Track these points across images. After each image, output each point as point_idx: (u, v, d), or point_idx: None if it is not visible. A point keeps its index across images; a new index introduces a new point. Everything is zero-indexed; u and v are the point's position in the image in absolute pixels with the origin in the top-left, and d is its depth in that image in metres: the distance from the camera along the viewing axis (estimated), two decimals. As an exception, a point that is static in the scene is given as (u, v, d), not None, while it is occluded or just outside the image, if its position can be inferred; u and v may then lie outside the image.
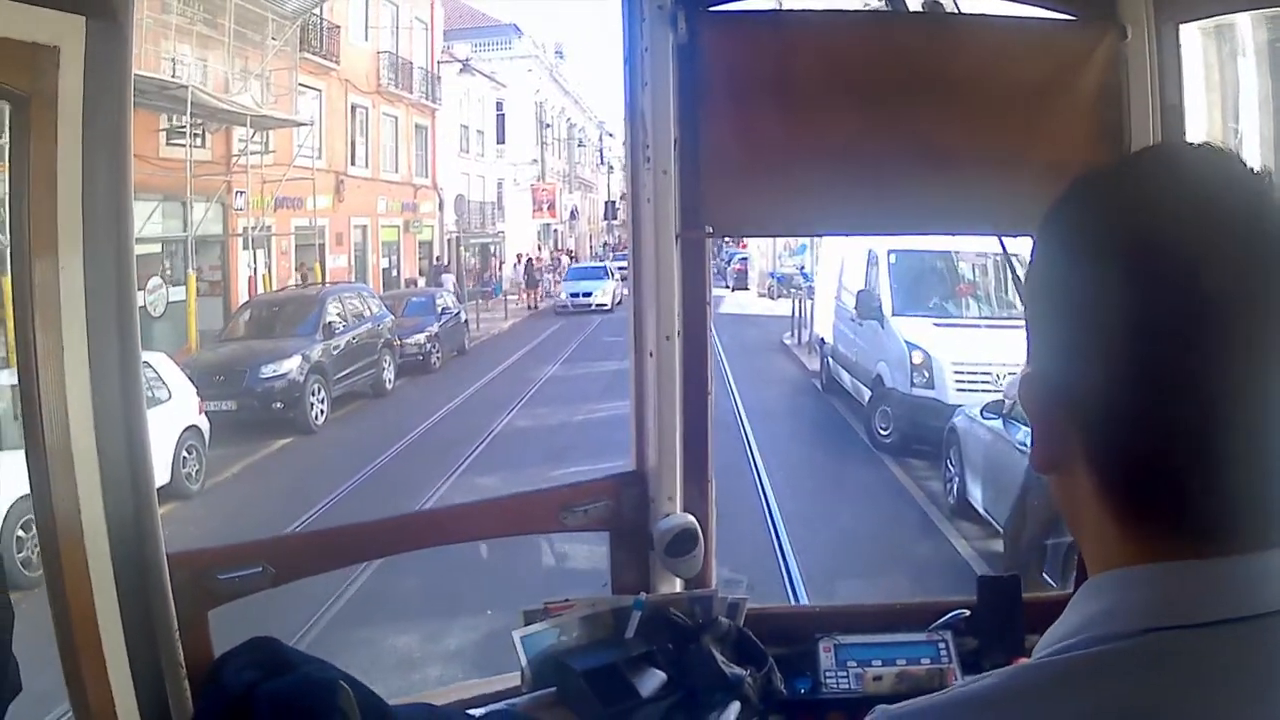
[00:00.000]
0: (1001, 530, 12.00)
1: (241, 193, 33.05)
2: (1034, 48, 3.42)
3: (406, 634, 10.95)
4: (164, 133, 29.69)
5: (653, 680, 3.19)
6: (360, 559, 3.02)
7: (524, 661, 3.23)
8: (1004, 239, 3.73)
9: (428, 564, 10.93)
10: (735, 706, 3.02)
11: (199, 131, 31.17)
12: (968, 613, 3.42)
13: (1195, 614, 1.02)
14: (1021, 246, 3.69)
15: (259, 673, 2.71)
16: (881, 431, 19.01)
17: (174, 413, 17.02)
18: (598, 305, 48.04)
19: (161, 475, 15.88)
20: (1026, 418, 1.20)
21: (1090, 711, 1.02)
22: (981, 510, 13.20)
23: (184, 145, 29.17)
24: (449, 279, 46.41)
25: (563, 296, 50.39)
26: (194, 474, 17.63)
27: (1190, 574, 1.04)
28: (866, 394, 20.24)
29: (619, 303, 44.42)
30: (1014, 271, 4.37)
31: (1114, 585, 1.10)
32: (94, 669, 2.37)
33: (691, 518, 3.46)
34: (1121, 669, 1.04)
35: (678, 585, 3.52)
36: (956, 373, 17.41)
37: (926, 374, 17.87)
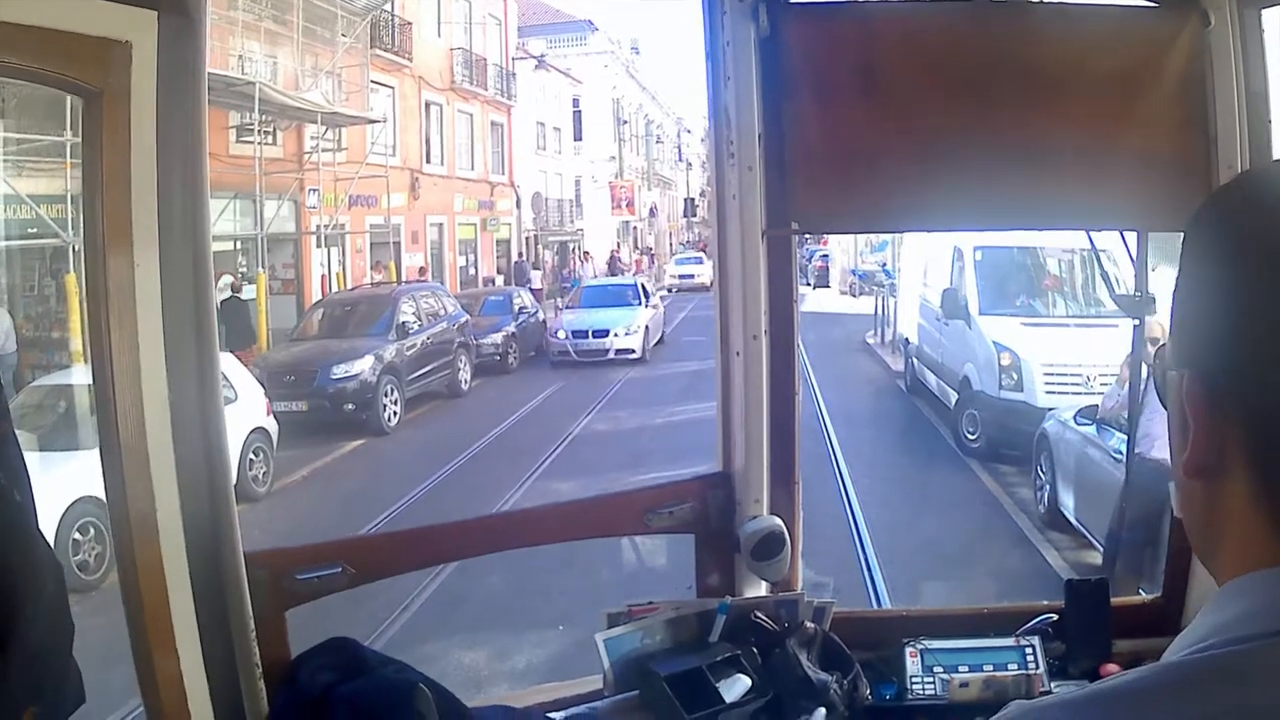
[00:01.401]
0: (1094, 540, 11.84)
1: (314, 190, 33.27)
2: (1116, 36, 3.38)
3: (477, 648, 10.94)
4: (234, 130, 29.88)
5: (737, 685, 3.15)
6: (440, 560, 3.01)
7: (606, 664, 3.21)
8: (1091, 233, 3.66)
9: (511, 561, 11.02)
10: (821, 713, 2.99)
11: (269, 129, 31.43)
12: (1055, 618, 3.39)
13: None
14: (1108, 240, 3.61)
15: (336, 674, 2.70)
16: (969, 436, 18.71)
17: (240, 414, 16.84)
18: (619, 352, 30.91)
19: (226, 477, 16.04)
20: (1172, 419, 1.16)
21: (1231, 710, 0.99)
22: (1074, 520, 12.92)
23: (254, 142, 29.32)
24: (536, 275, 46.72)
25: (560, 336, 31.99)
26: (261, 476, 17.53)
27: None
28: (953, 396, 19.94)
29: (658, 343, 33.58)
30: (1101, 267, 4.30)
31: (1258, 586, 1.07)
32: (168, 668, 2.36)
33: (778, 520, 3.41)
34: (1267, 668, 1.00)
35: (763, 588, 3.49)
36: (1046, 375, 17.07)
37: (1015, 376, 17.59)
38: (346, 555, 2.90)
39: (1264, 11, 3.30)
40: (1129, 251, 3.56)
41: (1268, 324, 1.02)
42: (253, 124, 29.07)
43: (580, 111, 65.18)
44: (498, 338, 29.99)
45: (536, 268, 49.48)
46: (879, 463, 18.27)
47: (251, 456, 17.23)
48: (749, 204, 3.29)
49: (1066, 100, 3.30)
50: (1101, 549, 11.41)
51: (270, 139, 31.62)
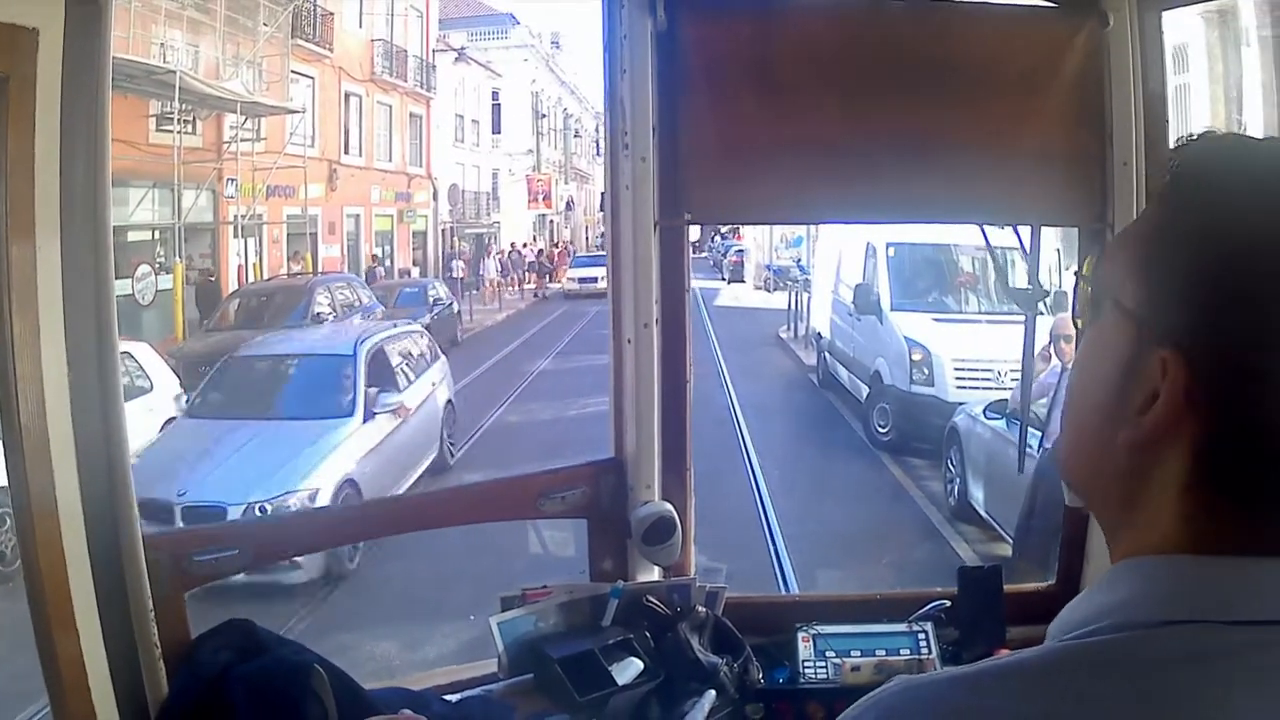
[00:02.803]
0: (1003, 532, 11.96)
1: (233, 180, 32.91)
2: (1017, 36, 3.42)
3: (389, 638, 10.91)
4: (154, 119, 29.50)
5: (629, 668, 3.19)
6: (335, 543, 3.03)
7: (500, 648, 3.23)
8: (985, 229, 3.72)
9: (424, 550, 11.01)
10: (710, 695, 3.02)
11: (189, 118, 31.02)
12: (948, 604, 3.42)
13: (1265, 610, 1.01)
14: (1003, 236, 3.68)
15: (234, 654, 2.71)
16: (880, 429, 18.87)
17: (155, 404, 16.57)
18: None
19: (143, 469, 15.65)
20: (1106, 378, 1.14)
21: (1110, 695, 1.01)
22: (983, 512, 13.09)
23: (174, 131, 28.96)
24: (458, 265, 46.62)
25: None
26: None
27: (1269, 571, 1.03)
28: (864, 390, 20.09)
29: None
30: (996, 261, 4.37)
31: (1157, 571, 1.08)
32: (68, 648, 2.37)
33: (669, 506, 3.45)
34: (1148, 656, 1.02)
35: (656, 573, 3.52)
36: (957, 369, 17.27)
37: (926, 371, 17.75)
38: (244, 538, 2.92)
39: (1163, 14, 3.36)
40: (1022, 246, 3.61)
41: (1259, 308, 1.01)
42: (173, 113, 28.75)
43: (499, 105, 64.90)
44: (413, 329, 29.56)
45: (458, 258, 49.32)
46: (790, 455, 18.37)
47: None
48: (642, 195, 3.33)
49: (965, 98, 3.35)
50: (1011, 540, 11.56)
51: (190, 128, 31.20)
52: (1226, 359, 1.02)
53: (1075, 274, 1.15)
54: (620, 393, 3.49)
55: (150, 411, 16.28)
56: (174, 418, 16.69)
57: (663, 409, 3.48)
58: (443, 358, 19.29)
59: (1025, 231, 3.60)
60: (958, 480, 14.22)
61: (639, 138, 3.31)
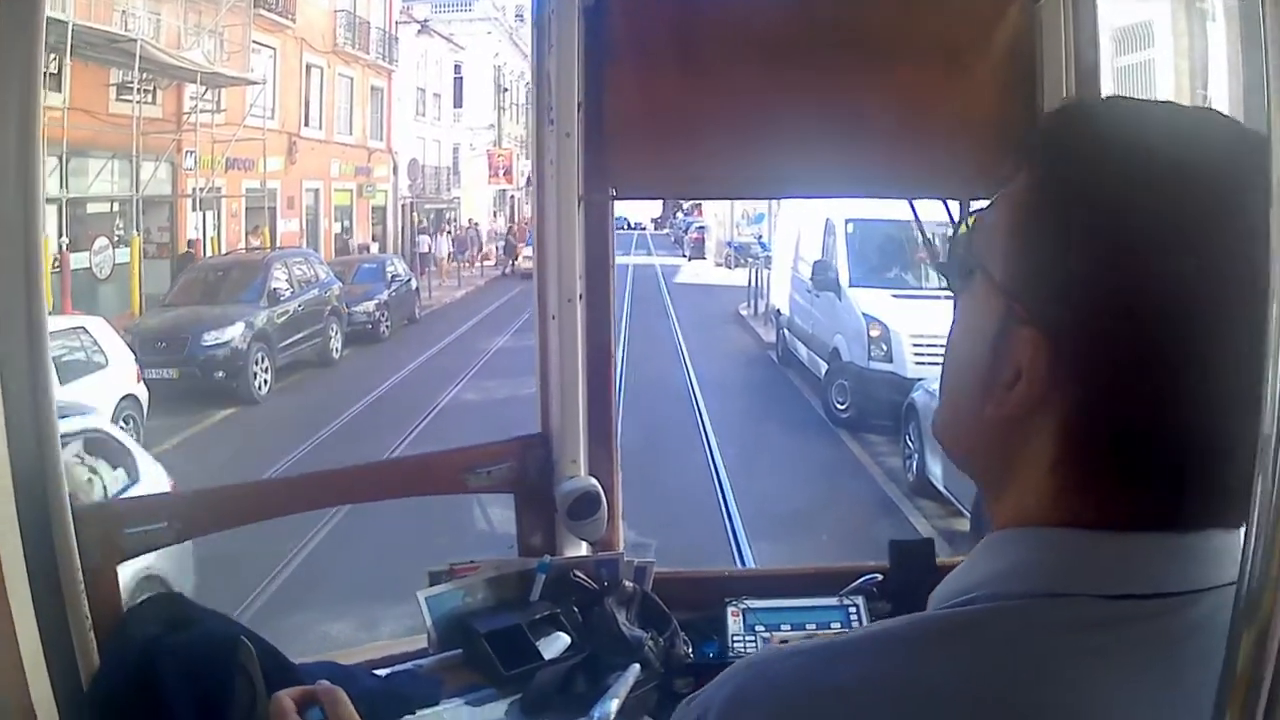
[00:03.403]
0: (962, 507, 12.02)
1: (191, 152, 32.65)
2: (947, 9, 3.41)
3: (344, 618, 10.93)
4: (113, 88, 29.29)
5: (556, 643, 3.20)
6: (263, 516, 2.99)
7: (429, 623, 3.23)
8: (913, 202, 3.73)
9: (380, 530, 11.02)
10: (635, 669, 3.03)
11: (149, 88, 30.73)
12: (880, 578, 3.44)
13: (1134, 584, 1.00)
14: (934, 211, 3.68)
15: (162, 627, 2.71)
16: (838, 406, 18.97)
17: (111, 380, 16.59)
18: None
19: (97, 446, 15.60)
20: (976, 353, 1.12)
21: (979, 665, 0.99)
22: (941, 488, 13.19)
23: (133, 101, 28.78)
24: (424, 240, 46.63)
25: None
26: None
27: (1146, 546, 1.01)
28: (823, 367, 20.19)
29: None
30: (924, 235, 4.37)
31: (1033, 542, 1.07)
32: (0, 625, 2.35)
33: (594, 481, 3.45)
34: (1012, 627, 1.02)
35: (584, 549, 3.53)
36: (915, 346, 17.32)
37: (885, 347, 17.79)
38: (173, 511, 2.90)
39: (1098, -8, 3.35)
40: (952, 220, 3.60)
41: (1125, 284, 0.99)
42: (133, 82, 28.54)
43: (461, 79, 64.64)
44: (370, 306, 29.66)
45: (425, 232, 49.36)
46: (749, 432, 18.45)
47: (122, 424, 16.68)
48: (566, 169, 3.31)
49: (893, 72, 3.33)
50: (969, 515, 11.62)
51: (150, 98, 30.94)
52: (1091, 337, 1.00)
53: (948, 240, 1.14)
54: (545, 368, 3.48)
55: (105, 387, 16.24)
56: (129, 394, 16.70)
57: (588, 384, 3.47)
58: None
59: (955, 207, 3.60)
60: (916, 456, 14.33)
61: (564, 113, 3.29)
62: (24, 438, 2.40)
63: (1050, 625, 1.00)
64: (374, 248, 44.72)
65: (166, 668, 2.59)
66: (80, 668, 2.58)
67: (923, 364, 16.82)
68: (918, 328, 17.43)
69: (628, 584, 3.33)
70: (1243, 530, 0.79)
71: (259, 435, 19.53)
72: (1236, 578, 0.79)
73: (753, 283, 33.21)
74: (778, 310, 25.82)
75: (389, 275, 31.92)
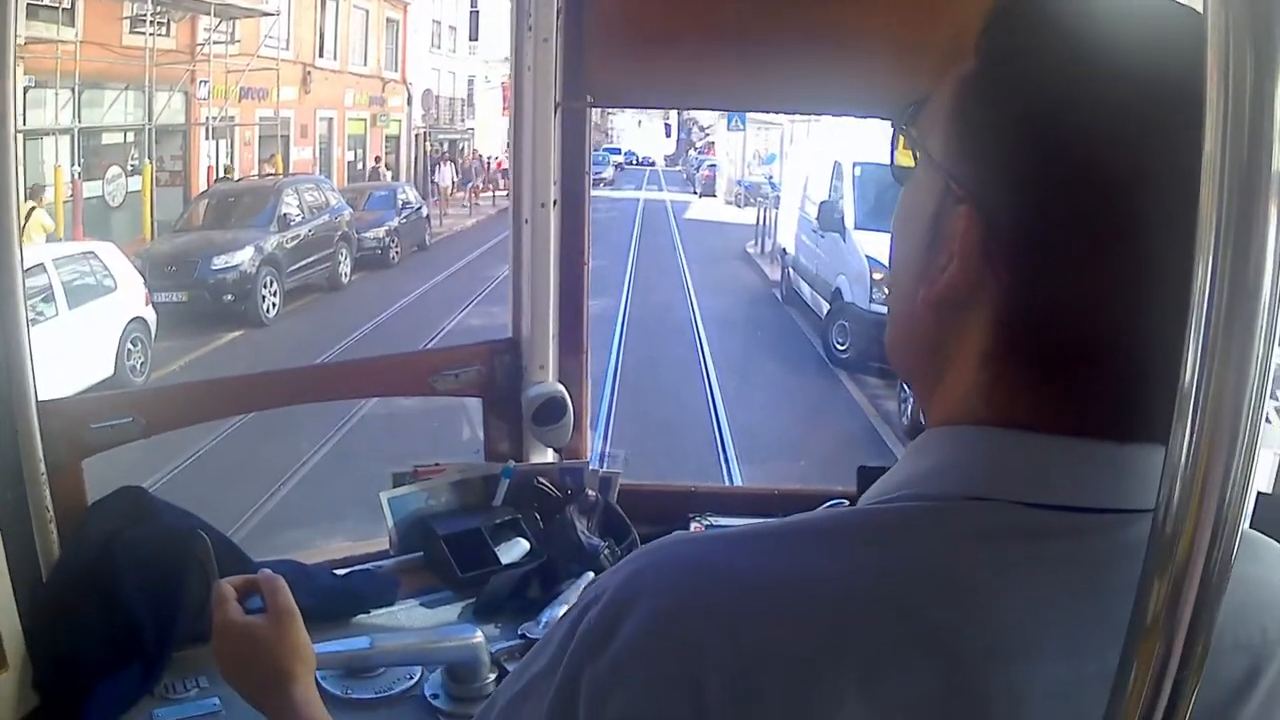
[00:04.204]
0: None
1: (205, 82, 32.38)
2: None
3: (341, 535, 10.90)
4: (128, 20, 29.14)
5: (515, 548, 3.22)
6: (231, 412, 3.04)
7: (390, 524, 3.25)
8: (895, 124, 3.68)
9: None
10: (589, 576, 3.03)
11: (163, 20, 30.56)
12: (846, 503, 3.42)
13: (1059, 494, 0.96)
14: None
15: (123, 520, 2.73)
16: (838, 346, 18.81)
17: (119, 303, 16.60)
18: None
19: (105, 368, 15.86)
20: (911, 235, 1.11)
21: (876, 567, 0.95)
22: (935, 433, 13.18)
23: (147, 34, 28.63)
24: (448, 171, 46.65)
25: None
26: (139, 366, 17.14)
27: (1076, 452, 0.97)
28: (825, 307, 20.01)
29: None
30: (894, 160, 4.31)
31: (959, 442, 1.04)
32: None
33: (561, 387, 3.47)
34: (925, 530, 0.98)
35: (550, 456, 3.54)
36: (917, 292, 17.18)
37: (888, 291, 17.70)
38: (139, 406, 2.90)
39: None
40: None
41: (1064, 169, 0.96)
42: (146, 14, 28.44)
43: (477, 11, 64.20)
44: (380, 232, 29.50)
45: (448, 161, 49.34)
46: (749, 369, 18.43)
47: (129, 346, 16.87)
48: (543, 75, 3.30)
49: None
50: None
51: (163, 30, 30.78)
52: (1025, 221, 0.97)
53: (893, 126, 1.11)
54: (518, 273, 3.48)
55: (113, 310, 16.30)
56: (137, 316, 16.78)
57: (560, 291, 3.47)
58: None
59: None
60: (911, 400, 14.25)
61: (543, 18, 3.27)
62: None
63: (965, 531, 0.97)
64: (387, 176, 44.54)
65: (123, 559, 2.63)
66: (41, 561, 2.60)
67: (923, 311, 16.65)
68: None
69: (591, 493, 3.34)
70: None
71: (266, 357, 19.37)
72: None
73: (761, 221, 33.03)
74: (784, 249, 25.69)
75: (400, 202, 31.73)
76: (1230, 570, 0.74)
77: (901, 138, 1.17)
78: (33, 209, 21.35)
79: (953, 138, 1.05)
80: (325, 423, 13.43)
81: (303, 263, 24.84)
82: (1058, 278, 0.96)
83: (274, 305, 22.91)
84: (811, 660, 0.90)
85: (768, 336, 21.70)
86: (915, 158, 1.13)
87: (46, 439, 2.58)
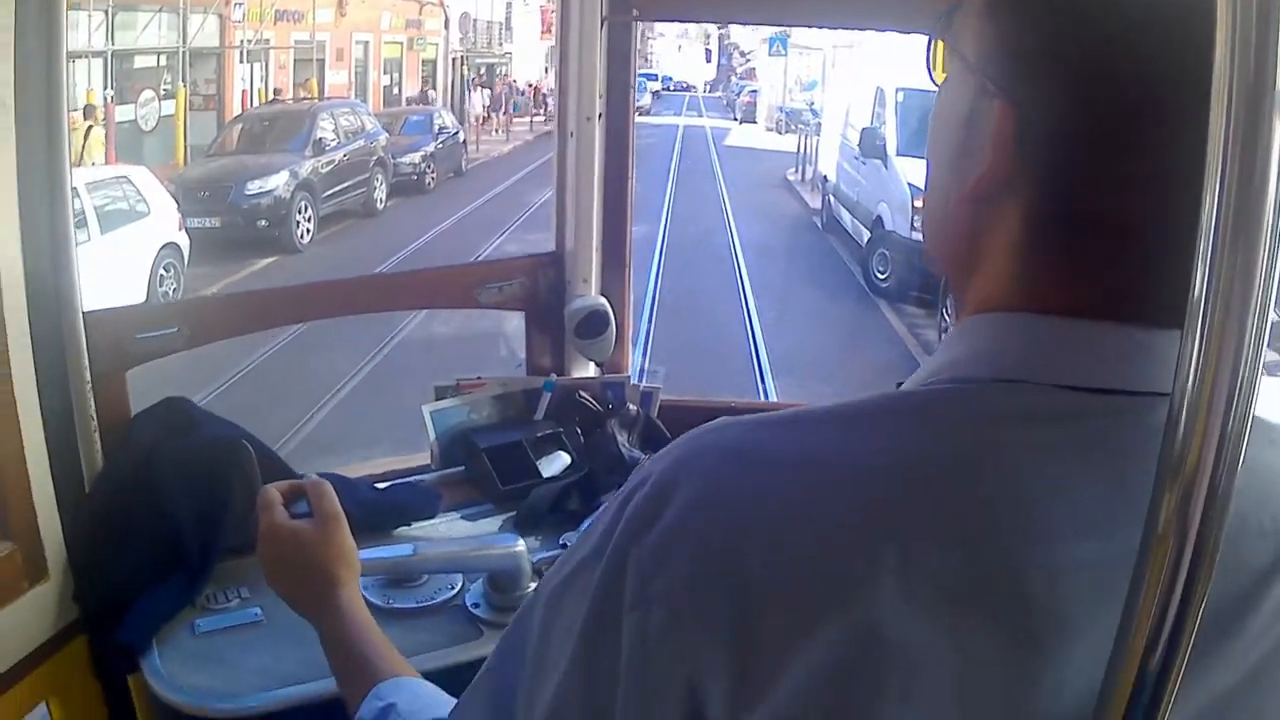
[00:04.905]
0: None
1: (240, 5, 32.40)
2: None
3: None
4: (162, -58, 29.17)
5: (556, 461, 3.23)
6: (276, 323, 3.03)
7: (432, 437, 3.27)
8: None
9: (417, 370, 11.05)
10: (629, 488, 3.04)
11: (198, -58, 30.55)
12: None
13: (1088, 375, 0.98)
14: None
15: (166, 431, 2.74)
16: (879, 275, 18.77)
17: (152, 228, 16.53)
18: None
19: (137, 293, 15.71)
20: (947, 128, 1.13)
21: (912, 445, 0.97)
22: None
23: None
24: (483, 96, 46.53)
25: None
26: (171, 292, 16.93)
27: (1103, 336, 1.00)
28: (866, 235, 20.00)
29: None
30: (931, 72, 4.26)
31: (990, 329, 1.06)
32: (6, 423, 2.37)
33: (604, 300, 3.47)
34: (956, 411, 1.00)
35: (591, 370, 3.55)
36: (960, 221, 17.04)
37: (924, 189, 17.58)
38: (184, 316, 2.91)
39: None
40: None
41: (1100, 65, 0.98)
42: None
43: (517, -69, 63.99)
44: (416, 157, 29.37)
45: (485, 86, 49.28)
46: (788, 296, 18.39)
47: (162, 272, 16.80)
48: (590, -11, 3.29)
49: None
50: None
51: (199, -48, 30.81)
52: (1060, 113, 0.99)
53: (929, 36, 1.10)
54: (563, 187, 3.47)
55: (147, 235, 16.32)
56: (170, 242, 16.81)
57: (604, 205, 3.47)
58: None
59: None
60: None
61: (589, -69, 3.26)
62: (39, 244, 2.41)
63: (999, 411, 0.99)
64: (436, 99, 44.41)
65: (166, 470, 2.64)
66: (84, 470, 2.61)
67: (965, 240, 16.52)
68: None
69: (632, 407, 3.35)
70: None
71: (300, 282, 19.39)
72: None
73: (802, 149, 32.87)
74: (824, 177, 25.59)
75: (436, 127, 31.57)
76: (1236, 476, 0.75)
77: (938, 48, 1.18)
78: (90, 128, 21.43)
79: (985, 36, 1.07)
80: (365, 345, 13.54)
81: (338, 188, 24.75)
82: (1089, 170, 0.99)
83: (308, 231, 22.86)
84: (848, 535, 0.92)
85: (807, 264, 21.66)
86: (949, 64, 1.15)
87: (92, 349, 2.59)
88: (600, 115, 3.38)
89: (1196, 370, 0.73)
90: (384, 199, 26.91)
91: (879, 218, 19.09)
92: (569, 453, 3.26)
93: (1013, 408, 0.98)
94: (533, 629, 1.11)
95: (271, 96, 32.07)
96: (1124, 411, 0.97)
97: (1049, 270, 1.03)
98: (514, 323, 3.62)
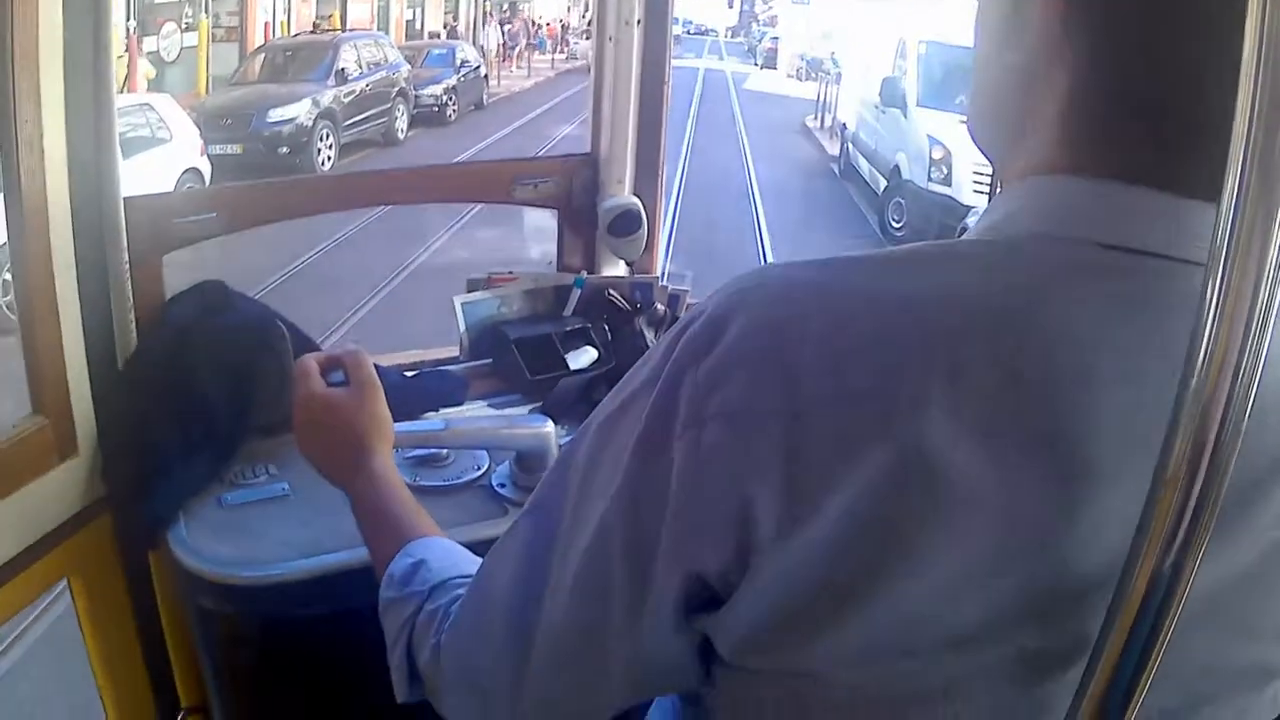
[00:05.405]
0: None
1: (262, -63, 32.28)
2: None
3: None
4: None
5: (583, 355, 3.28)
6: (312, 211, 3.03)
7: (462, 328, 3.32)
8: None
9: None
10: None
11: None
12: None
13: (1127, 235, 1.02)
14: None
15: (200, 312, 2.77)
16: (894, 223, 18.73)
17: (174, 154, 16.54)
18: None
19: (159, 217, 15.75)
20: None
21: (974, 285, 1.01)
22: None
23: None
24: (499, 32, 46.12)
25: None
26: None
27: (1144, 200, 1.02)
28: (882, 184, 19.96)
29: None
30: None
31: (1030, 191, 1.10)
32: (44, 301, 2.40)
33: (637, 200, 3.50)
34: (1020, 259, 1.04)
35: (621, 269, 3.59)
36: (976, 175, 16.79)
37: (945, 170, 17.47)
38: (222, 202, 2.93)
39: None
40: None
41: None
42: None
43: None
44: (437, 89, 29.32)
45: (508, 23, 48.80)
46: (802, 240, 18.29)
47: (184, 197, 16.83)
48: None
49: None
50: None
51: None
52: None
53: None
54: (600, 91, 3.49)
55: (168, 161, 16.32)
56: (192, 167, 16.81)
57: (639, 108, 3.49)
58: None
59: None
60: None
61: None
62: (83, 129, 2.42)
63: (1044, 262, 1.02)
64: (443, 35, 43.97)
65: (199, 348, 2.66)
66: (118, 349, 2.64)
67: (981, 193, 16.35)
68: (980, 157, 17.09)
69: (660, 307, 3.38)
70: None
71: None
72: None
73: (822, 96, 32.78)
74: (844, 124, 25.51)
75: (458, 61, 31.42)
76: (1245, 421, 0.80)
77: None
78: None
79: None
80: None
81: (359, 117, 24.68)
82: (1134, 45, 1.01)
83: (329, 159, 22.81)
84: (901, 360, 0.96)
85: (824, 209, 21.57)
86: None
87: (131, 232, 2.61)
88: (639, 21, 3.40)
89: (1227, 249, 0.76)
90: (405, 129, 26.81)
91: (896, 166, 19.03)
92: (596, 348, 3.30)
93: (1060, 259, 1.02)
94: (578, 464, 1.16)
95: (316, 22, 31.85)
96: (1162, 275, 1.00)
97: (1094, 139, 1.06)
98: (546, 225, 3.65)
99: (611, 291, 3.39)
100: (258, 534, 2.48)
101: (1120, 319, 0.99)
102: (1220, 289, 0.77)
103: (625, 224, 3.45)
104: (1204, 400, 0.79)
